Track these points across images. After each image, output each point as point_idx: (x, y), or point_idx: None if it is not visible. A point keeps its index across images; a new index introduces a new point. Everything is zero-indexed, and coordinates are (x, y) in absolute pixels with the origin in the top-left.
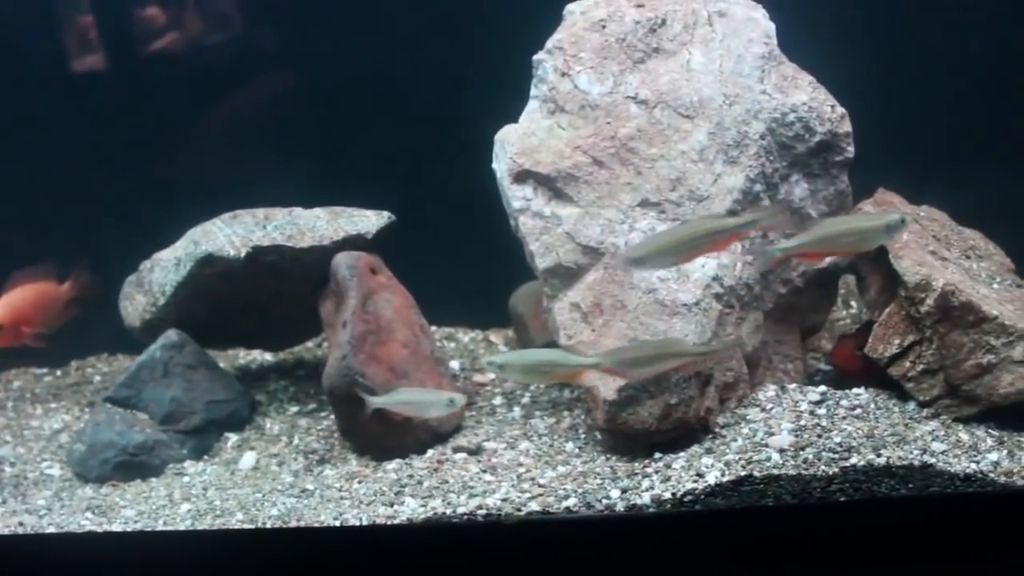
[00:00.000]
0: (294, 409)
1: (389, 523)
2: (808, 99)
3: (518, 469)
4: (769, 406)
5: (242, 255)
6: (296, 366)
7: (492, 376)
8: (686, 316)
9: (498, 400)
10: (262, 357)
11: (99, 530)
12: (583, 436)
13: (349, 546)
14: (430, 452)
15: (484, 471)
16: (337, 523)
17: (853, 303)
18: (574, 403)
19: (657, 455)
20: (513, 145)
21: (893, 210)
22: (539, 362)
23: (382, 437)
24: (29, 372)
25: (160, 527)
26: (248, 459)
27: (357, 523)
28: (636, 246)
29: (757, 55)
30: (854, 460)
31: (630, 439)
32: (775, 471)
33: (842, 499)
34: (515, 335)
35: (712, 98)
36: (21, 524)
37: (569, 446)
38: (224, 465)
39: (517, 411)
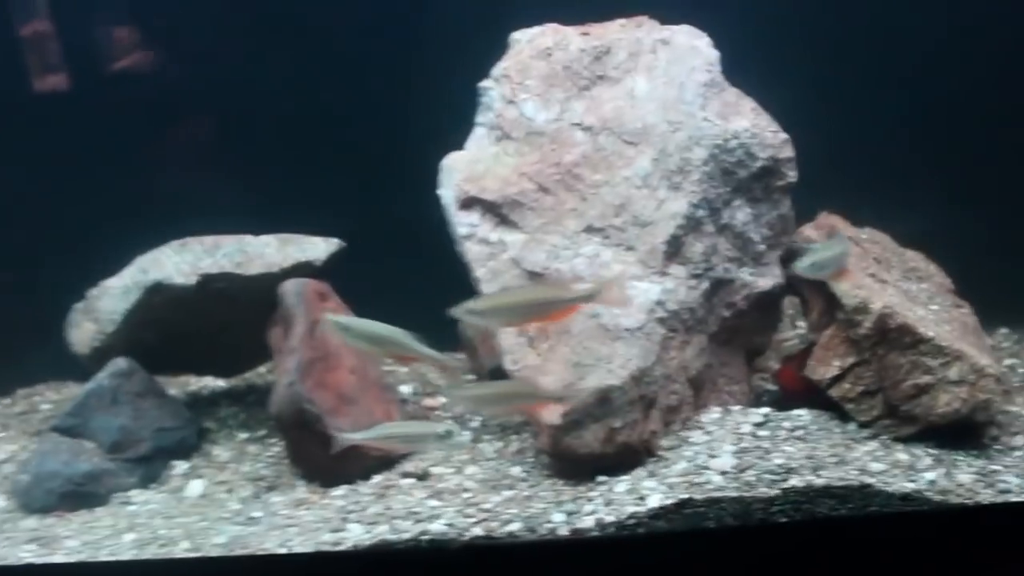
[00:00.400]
0: (243, 435)
1: (334, 549)
2: (750, 125)
3: (464, 494)
4: (712, 428)
5: (192, 283)
6: (247, 392)
7: (443, 400)
8: (629, 340)
9: (448, 424)
10: (213, 383)
11: (39, 562)
12: (530, 460)
13: (294, 574)
14: (377, 478)
15: (430, 496)
16: (283, 551)
17: (801, 324)
18: (522, 427)
19: (601, 478)
20: (460, 172)
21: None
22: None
23: (329, 463)
24: None
25: (103, 557)
26: (195, 487)
27: (302, 550)
28: (479, 299)
29: (699, 83)
30: (794, 481)
31: (575, 463)
32: (716, 493)
33: (783, 520)
34: (467, 359)
35: (656, 125)
36: None
37: (515, 470)
38: (171, 493)
39: (466, 435)
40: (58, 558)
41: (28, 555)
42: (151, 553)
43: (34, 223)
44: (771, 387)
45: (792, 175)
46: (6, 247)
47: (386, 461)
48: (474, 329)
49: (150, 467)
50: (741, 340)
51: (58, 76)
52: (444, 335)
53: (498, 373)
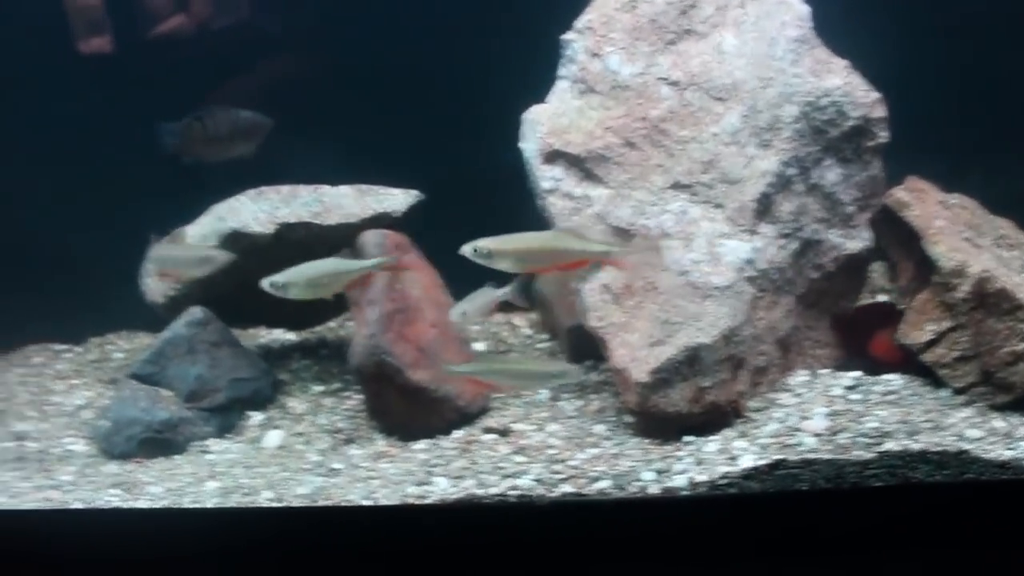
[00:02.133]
0: (318, 388)
1: (420, 503)
2: (843, 83)
3: (548, 451)
4: (801, 391)
5: (269, 231)
6: (319, 345)
7: (517, 357)
8: (719, 299)
9: (563, 364)
10: (284, 336)
11: (126, 506)
12: (612, 419)
13: (379, 525)
14: (458, 433)
15: (515, 452)
16: (367, 502)
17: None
18: (602, 386)
19: (688, 438)
20: (543, 125)
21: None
22: (321, 273)
23: (410, 417)
24: (49, 348)
25: (187, 504)
26: (273, 437)
27: (387, 502)
28: (492, 239)
29: (791, 38)
30: (889, 446)
31: (661, 422)
32: (810, 455)
33: (877, 484)
34: (540, 317)
35: (745, 80)
36: (47, 499)
37: (599, 428)
38: (249, 443)
39: (544, 393)
40: (142, 503)
41: (114, 499)
42: (235, 502)
43: (110, 171)
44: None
45: (884, 135)
46: (78, 197)
47: (467, 415)
48: (551, 287)
49: (226, 417)
50: (827, 303)
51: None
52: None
53: (576, 332)
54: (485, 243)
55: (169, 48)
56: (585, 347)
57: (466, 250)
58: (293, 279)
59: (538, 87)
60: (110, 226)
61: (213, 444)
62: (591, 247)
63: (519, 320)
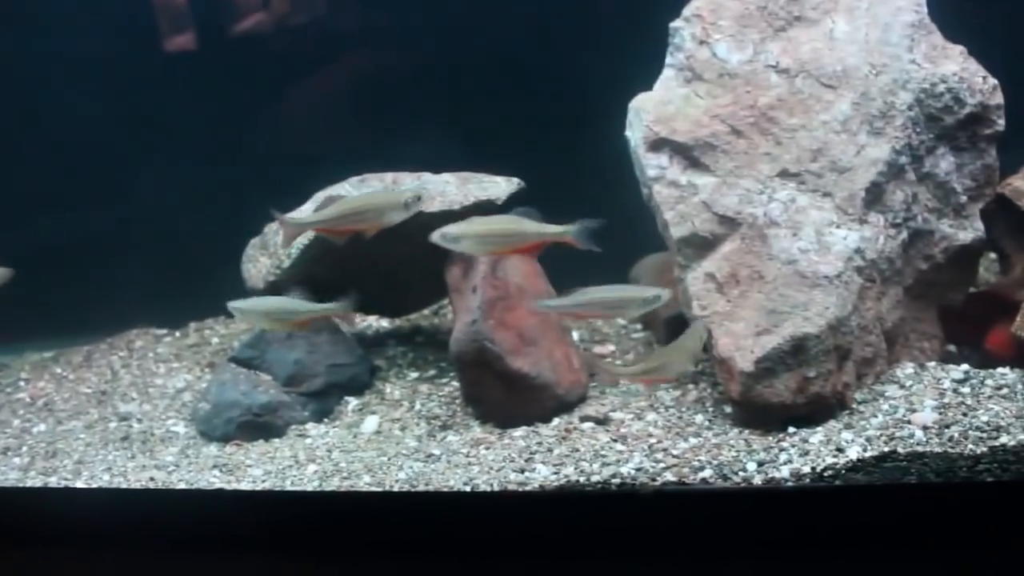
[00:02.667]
0: (414, 375)
1: (521, 489)
2: (959, 69)
3: (649, 439)
4: (908, 383)
5: None
6: (414, 332)
7: (612, 348)
8: (827, 288)
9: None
10: (378, 323)
11: (229, 488)
12: (711, 409)
13: (480, 511)
14: (556, 420)
15: (615, 440)
16: (467, 488)
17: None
18: (699, 376)
19: (792, 429)
20: (649, 113)
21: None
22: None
23: (508, 404)
24: (150, 333)
25: (288, 487)
26: (371, 423)
27: (488, 488)
28: (455, 225)
29: (906, 23)
30: (1003, 440)
31: (763, 412)
32: (919, 448)
33: (989, 479)
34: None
35: (857, 67)
36: (152, 479)
37: (699, 418)
38: (346, 428)
39: (641, 385)
40: (244, 485)
41: (216, 480)
42: (335, 485)
43: (210, 159)
44: (952, 348)
45: (1000, 123)
46: (178, 184)
47: (565, 404)
48: (649, 277)
49: (323, 402)
50: (935, 295)
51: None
52: (620, 280)
53: (674, 323)
54: (450, 229)
55: (252, 44)
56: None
57: (435, 237)
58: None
59: (645, 75)
60: (210, 213)
61: (311, 428)
62: (547, 229)
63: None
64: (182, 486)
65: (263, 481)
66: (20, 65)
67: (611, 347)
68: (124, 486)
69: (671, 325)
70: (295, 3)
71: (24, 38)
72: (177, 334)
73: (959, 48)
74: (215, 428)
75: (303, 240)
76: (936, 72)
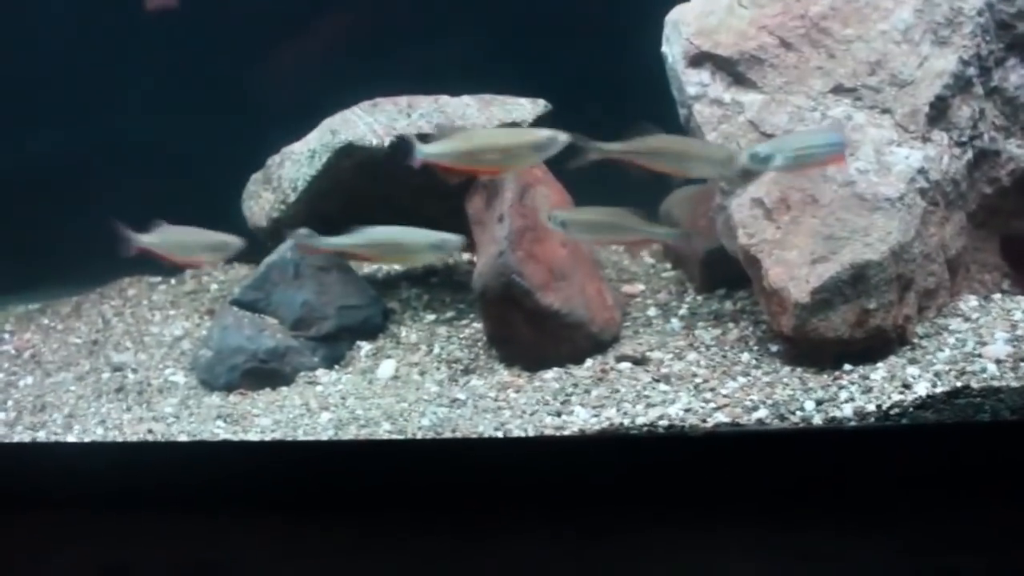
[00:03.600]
0: (430, 317)
1: (560, 434)
2: None
3: (694, 379)
4: (975, 315)
5: (385, 144)
6: (428, 274)
7: (642, 287)
8: (888, 211)
9: (653, 311)
10: (390, 265)
11: (235, 439)
12: (756, 348)
13: (515, 458)
14: (589, 361)
15: (657, 380)
16: (500, 434)
17: None
18: (739, 315)
19: (847, 366)
20: (689, 26)
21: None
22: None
23: (537, 345)
24: (143, 280)
25: (300, 437)
26: (387, 368)
27: (522, 434)
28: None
29: None
30: None
31: (816, 348)
32: (994, 383)
33: None
34: (663, 245)
35: None
36: (150, 431)
37: (744, 357)
38: (360, 374)
39: (676, 322)
40: (252, 436)
41: (220, 431)
42: (351, 434)
43: (204, 97)
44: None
45: None
46: (168, 127)
47: (599, 343)
48: (682, 209)
49: (334, 346)
50: (998, 222)
51: None
52: (651, 212)
53: (711, 258)
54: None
55: None
56: (718, 275)
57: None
58: (574, 219)
59: None
60: (204, 153)
61: (322, 375)
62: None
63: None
64: (184, 438)
65: (272, 431)
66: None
67: (640, 286)
68: (120, 439)
69: (707, 261)
70: None
71: None
72: (173, 281)
73: None
74: (218, 376)
75: (310, 172)
76: None
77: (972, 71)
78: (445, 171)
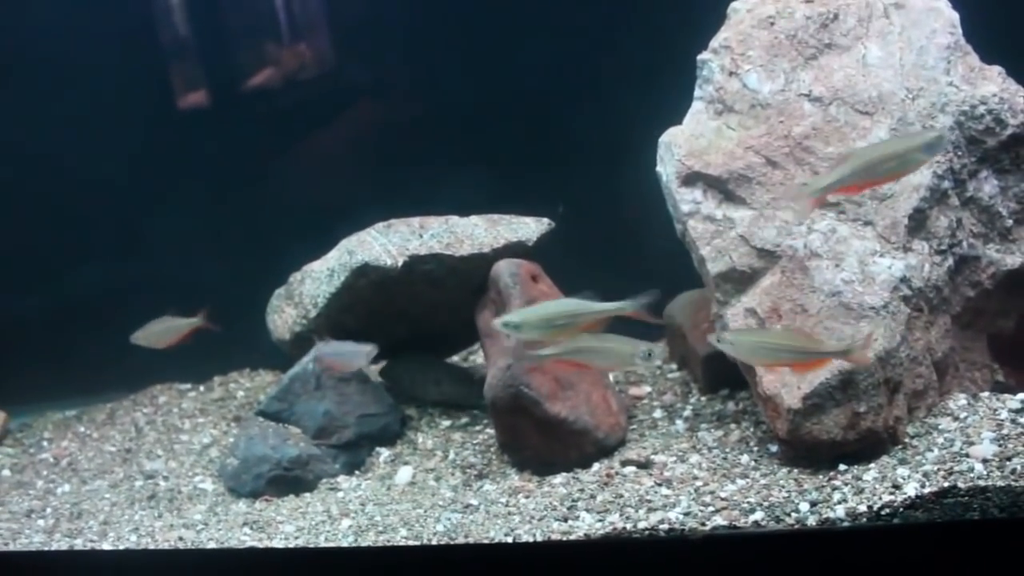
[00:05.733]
0: (446, 423)
1: (566, 539)
2: (999, 90)
3: (695, 482)
4: (963, 415)
5: (399, 264)
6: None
7: (648, 389)
8: (874, 320)
9: (658, 413)
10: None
11: (261, 546)
12: (756, 449)
13: (524, 563)
14: (596, 466)
15: (659, 484)
16: (509, 539)
17: None
18: (740, 415)
19: (843, 467)
20: (681, 147)
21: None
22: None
23: (546, 450)
24: (173, 387)
25: (322, 543)
26: (404, 474)
27: (531, 539)
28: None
29: (942, 46)
30: None
31: (811, 450)
32: (980, 482)
33: None
34: (670, 347)
35: (893, 92)
36: (180, 539)
37: (744, 459)
38: (379, 480)
39: (680, 424)
40: (277, 543)
41: (247, 538)
42: (370, 540)
43: (233, 212)
44: (1001, 378)
45: None
46: (200, 237)
47: (605, 448)
48: (684, 315)
49: (355, 453)
50: (983, 323)
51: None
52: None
53: (712, 361)
54: (510, 317)
55: (271, 96)
56: (721, 377)
57: (497, 323)
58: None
59: (674, 110)
60: (233, 265)
61: (343, 481)
62: (605, 307)
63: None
64: (212, 545)
65: (296, 538)
66: (37, 123)
67: (647, 388)
68: (152, 547)
69: (709, 364)
70: (313, 54)
71: (41, 96)
72: (202, 388)
73: (997, 68)
74: (244, 484)
75: (329, 290)
76: (975, 94)
77: (947, 184)
78: (849, 192)
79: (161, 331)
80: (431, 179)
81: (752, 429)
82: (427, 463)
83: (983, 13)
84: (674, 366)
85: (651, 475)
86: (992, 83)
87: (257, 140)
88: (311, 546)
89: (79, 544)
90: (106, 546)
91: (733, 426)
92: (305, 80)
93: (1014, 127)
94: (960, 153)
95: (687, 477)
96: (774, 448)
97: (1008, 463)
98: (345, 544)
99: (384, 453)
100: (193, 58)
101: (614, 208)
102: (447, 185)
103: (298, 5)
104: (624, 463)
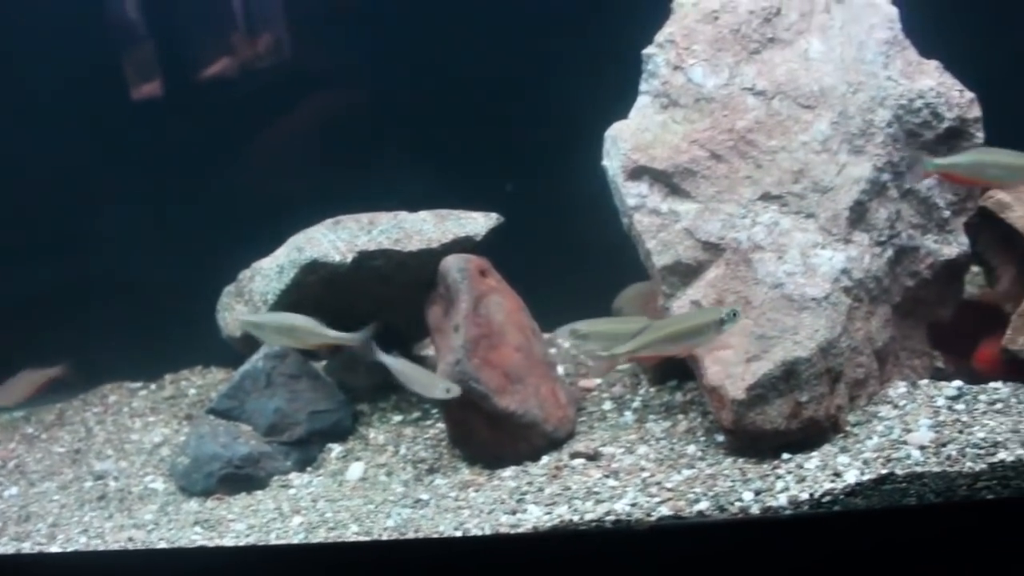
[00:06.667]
0: (397, 418)
1: (514, 532)
2: (936, 84)
3: (642, 473)
4: (902, 402)
5: (348, 260)
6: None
7: (598, 381)
8: (815, 311)
9: (608, 405)
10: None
11: (211, 544)
12: (703, 439)
13: (473, 556)
14: (546, 459)
15: (607, 476)
16: (458, 533)
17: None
18: (688, 406)
19: (786, 455)
20: (626, 141)
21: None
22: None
23: (496, 444)
24: (123, 386)
25: (273, 541)
26: (355, 470)
27: (479, 532)
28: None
29: (881, 40)
30: (1002, 456)
31: (756, 440)
32: (917, 468)
33: (990, 497)
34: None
35: (834, 87)
36: (131, 539)
37: (691, 449)
38: (330, 476)
39: (629, 416)
40: (227, 541)
41: (198, 537)
42: (321, 536)
43: (181, 209)
44: (941, 364)
45: (980, 136)
46: (149, 235)
47: (554, 441)
48: (633, 307)
49: (306, 450)
50: (923, 311)
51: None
52: (598, 313)
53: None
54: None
55: (216, 90)
56: (669, 368)
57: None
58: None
59: (619, 104)
60: (182, 262)
61: (295, 478)
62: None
63: None
64: (163, 545)
65: (247, 536)
66: None
67: (596, 380)
68: (102, 548)
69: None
70: (259, 48)
71: None
72: (153, 387)
73: (934, 63)
74: (195, 483)
75: (279, 287)
76: (913, 88)
77: (886, 176)
78: (952, 181)
79: (18, 388)
80: (384, 174)
81: (700, 419)
82: (378, 458)
83: (921, 8)
84: (627, 365)
85: (599, 467)
86: (929, 77)
87: (206, 135)
88: (261, 543)
89: (27, 547)
90: (54, 548)
91: (681, 417)
92: (253, 73)
93: (950, 120)
94: (899, 146)
95: (634, 468)
96: (720, 438)
97: (944, 449)
98: (296, 541)
99: (336, 449)
100: (137, 49)
101: (563, 202)
102: (400, 180)
103: None
104: (573, 455)
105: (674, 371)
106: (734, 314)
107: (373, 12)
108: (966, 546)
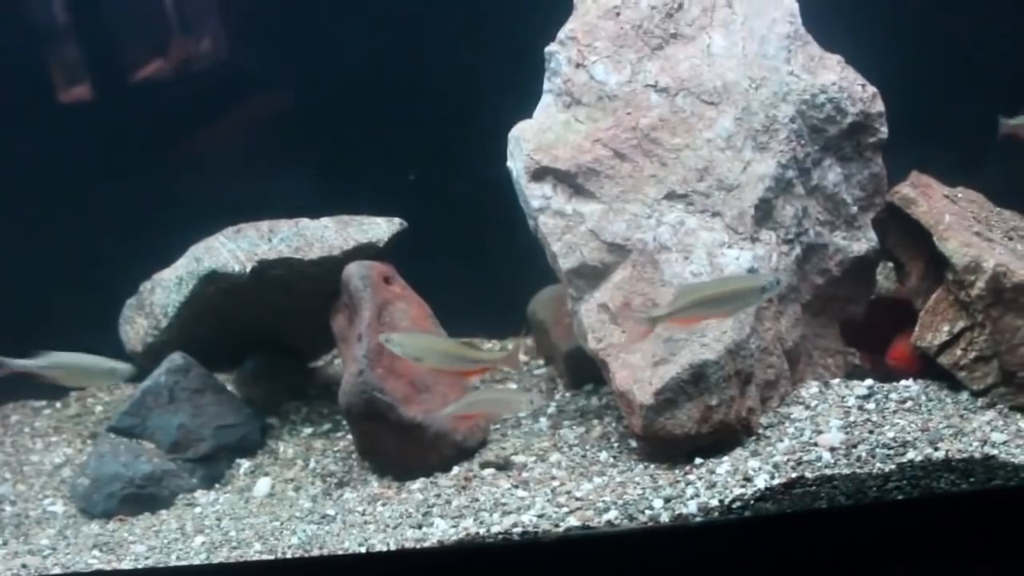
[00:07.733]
0: (308, 431)
1: (418, 547)
2: (838, 79)
3: (551, 483)
4: (814, 403)
5: (247, 270)
6: (307, 385)
7: (514, 387)
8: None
9: (522, 412)
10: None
11: (107, 568)
12: (616, 445)
13: (376, 573)
14: (456, 469)
15: (516, 486)
16: (363, 549)
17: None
18: (603, 411)
19: (698, 460)
20: (529, 142)
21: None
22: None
23: (405, 456)
24: (27, 405)
25: (173, 562)
26: (263, 485)
27: (384, 548)
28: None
29: (782, 35)
30: (911, 455)
31: (668, 445)
32: (827, 471)
33: (900, 497)
34: (535, 343)
35: (737, 82)
36: (24, 566)
37: (603, 456)
38: (237, 493)
39: (544, 422)
40: (126, 564)
41: (95, 562)
42: (223, 556)
43: (84, 219)
44: (858, 361)
45: (883, 131)
46: (51, 247)
47: (464, 450)
48: (547, 310)
49: (213, 466)
50: (834, 309)
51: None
52: (511, 317)
53: (574, 356)
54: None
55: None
56: (584, 371)
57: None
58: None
59: (530, 102)
60: (84, 275)
61: (200, 496)
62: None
63: (514, 346)
64: (57, 571)
65: (146, 558)
66: None
67: (512, 385)
68: None
69: (571, 358)
70: (159, 57)
71: None
72: (58, 404)
73: (836, 57)
74: (95, 504)
75: (179, 299)
76: (815, 83)
77: (792, 173)
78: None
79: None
80: (288, 180)
81: (614, 424)
82: (287, 473)
83: (822, 2)
84: (541, 361)
85: (509, 476)
86: (831, 72)
87: (110, 145)
88: (160, 566)
89: None
90: None
91: (596, 422)
92: (155, 81)
93: (854, 115)
94: (803, 142)
95: (545, 477)
96: (634, 444)
97: (854, 450)
98: (196, 562)
99: (244, 464)
100: (48, 50)
101: (473, 205)
102: (301, 185)
103: None
104: (483, 465)
105: (589, 375)
106: (777, 282)
107: (269, 13)
108: (877, 548)
